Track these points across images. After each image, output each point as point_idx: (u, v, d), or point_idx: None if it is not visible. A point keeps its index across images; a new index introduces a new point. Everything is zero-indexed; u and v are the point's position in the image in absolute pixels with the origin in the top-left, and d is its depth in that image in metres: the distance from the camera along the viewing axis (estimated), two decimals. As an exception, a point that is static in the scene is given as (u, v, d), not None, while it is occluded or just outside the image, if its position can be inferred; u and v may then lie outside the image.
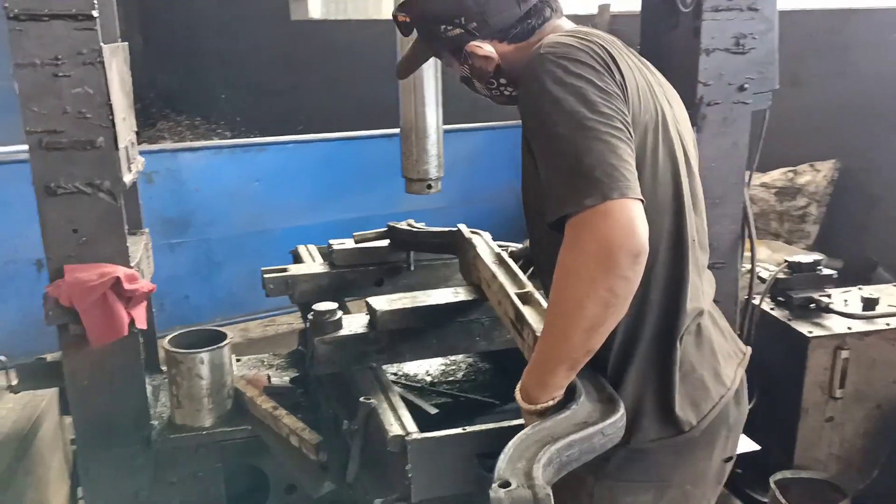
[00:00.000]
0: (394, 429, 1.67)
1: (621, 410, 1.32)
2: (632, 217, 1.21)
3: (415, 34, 1.65)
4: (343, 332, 1.97)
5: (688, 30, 2.40)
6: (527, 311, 1.68)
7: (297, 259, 2.82)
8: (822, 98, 4.56)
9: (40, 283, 3.85)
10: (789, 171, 4.54)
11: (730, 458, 1.60)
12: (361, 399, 1.79)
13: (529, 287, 1.83)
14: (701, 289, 1.55)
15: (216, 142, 5.08)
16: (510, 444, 1.21)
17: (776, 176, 4.55)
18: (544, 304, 1.70)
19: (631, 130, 1.34)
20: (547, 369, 1.32)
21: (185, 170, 4.54)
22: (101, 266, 1.95)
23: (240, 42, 9.32)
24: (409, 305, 2.02)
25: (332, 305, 2.00)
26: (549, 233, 1.29)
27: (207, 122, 9.70)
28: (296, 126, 7.94)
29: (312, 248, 2.86)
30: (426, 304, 2.03)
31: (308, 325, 2.01)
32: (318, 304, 1.99)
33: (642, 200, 1.25)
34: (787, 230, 4.52)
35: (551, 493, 1.12)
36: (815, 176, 4.51)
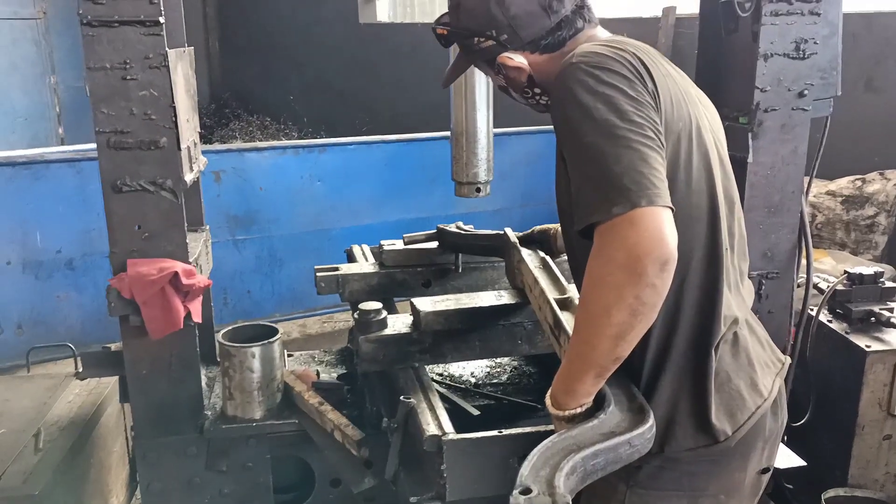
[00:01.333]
0: (431, 428, 1.70)
1: (651, 422, 1.32)
2: (660, 225, 1.21)
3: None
4: (387, 332, 2.02)
5: (746, 34, 2.36)
6: (565, 317, 1.70)
7: (351, 258, 2.89)
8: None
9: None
10: (857, 179, 4.39)
11: (766, 470, 1.58)
12: (402, 398, 1.83)
13: (570, 293, 1.84)
14: (738, 297, 1.53)
15: (281, 142, 5.23)
16: (535, 450, 1.22)
17: (843, 184, 4.41)
18: None
19: (662, 139, 1.34)
20: (575, 376, 1.33)
21: (250, 169, 4.69)
22: (161, 261, 2.04)
23: (311, 44, 9.53)
24: (453, 307, 2.05)
25: (377, 305, 2.04)
26: (580, 239, 1.31)
27: (277, 123, 9.95)
28: (360, 127, 8.08)
29: (366, 247, 2.93)
30: (470, 306, 2.06)
31: (354, 322, 2.06)
32: (363, 304, 2.04)
33: (672, 208, 1.25)
34: (853, 240, 4.37)
35: (570, 503, 1.13)
36: (885, 185, 4.35)
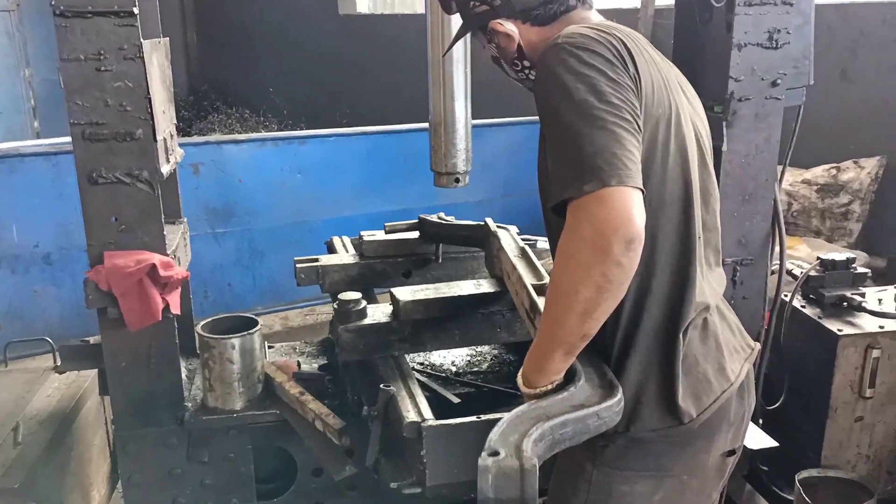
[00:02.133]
0: (410, 415, 1.72)
1: (619, 396, 1.35)
2: (628, 204, 1.24)
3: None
4: (367, 321, 2.03)
5: (721, 24, 2.39)
6: (541, 302, 1.72)
7: (332, 249, 2.89)
8: (872, 93, 4.45)
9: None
10: (832, 167, 4.45)
11: (731, 452, 1.61)
12: (382, 386, 1.84)
13: (547, 279, 1.86)
14: (709, 285, 1.56)
15: (260, 134, 5.23)
16: (505, 418, 1.25)
17: (818, 173, 4.47)
18: None
19: (640, 122, 1.36)
20: (544, 353, 1.36)
21: (229, 161, 4.67)
22: (138, 253, 2.03)
23: (290, 36, 9.48)
24: (432, 296, 2.07)
25: (357, 295, 2.06)
26: (556, 217, 1.33)
27: (257, 115, 9.89)
28: (341, 119, 8.06)
29: (346, 239, 2.94)
30: (449, 294, 2.08)
31: (333, 313, 2.07)
32: (343, 294, 2.05)
33: (642, 190, 1.28)
34: (828, 228, 4.44)
35: (537, 465, 1.16)
36: (859, 173, 4.41)
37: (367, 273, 2.57)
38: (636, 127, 1.34)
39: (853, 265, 2.79)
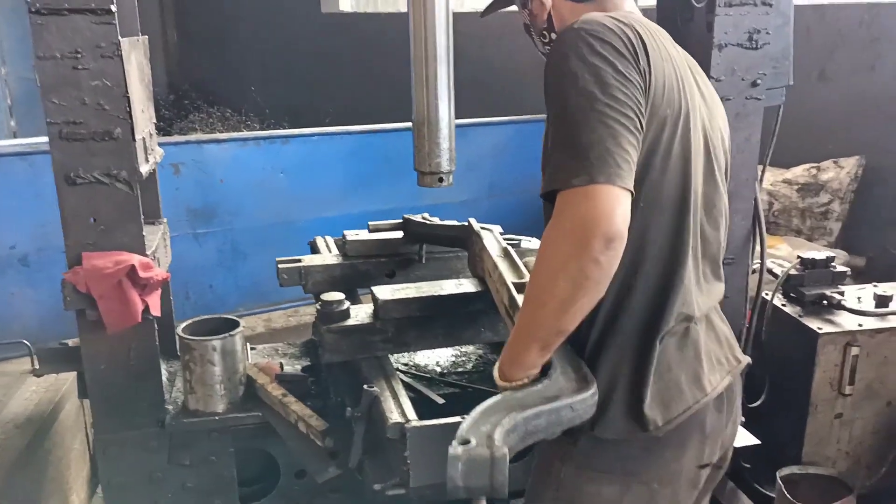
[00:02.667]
0: (394, 416, 1.71)
1: (593, 389, 1.35)
2: (613, 203, 1.23)
3: None
4: (350, 322, 2.02)
5: (701, 24, 2.40)
6: (520, 299, 1.71)
7: (315, 250, 2.88)
8: (850, 93, 4.49)
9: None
10: (812, 167, 4.49)
11: (706, 465, 1.57)
12: (365, 387, 1.83)
13: (527, 277, 1.85)
14: (700, 296, 1.52)
15: (241, 133, 5.18)
16: (477, 408, 1.25)
17: (798, 172, 4.51)
18: None
19: (643, 121, 1.34)
20: (521, 347, 1.36)
21: (210, 161, 4.62)
22: (117, 254, 2.01)
23: (272, 34, 9.42)
24: (413, 295, 2.06)
25: (340, 295, 2.04)
26: (547, 203, 1.33)
27: (238, 114, 9.82)
28: (324, 118, 8.01)
29: (329, 239, 2.92)
30: (430, 294, 2.07)
31: (316, 313, 2.06)
32: (325, 294, 2.04)
33: (630, 191, 1.27)
34: (808, 227, 4.47)
35: (508, 455, 1.16)
36: (839, 172, 4.45)
37: (351, 273, 2.55)
38: (638, 125, 1.32)
39: (833, 264, 2.81)
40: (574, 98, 1.30)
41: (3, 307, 4.14)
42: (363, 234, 2.65)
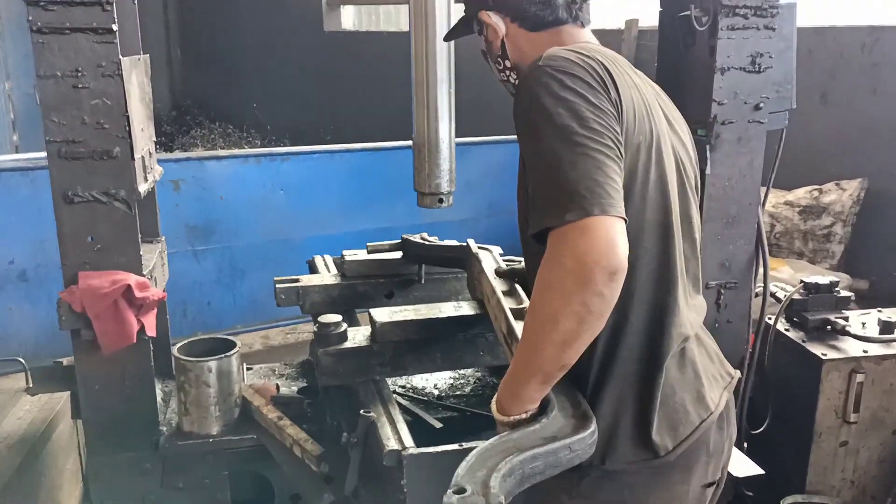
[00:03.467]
0: (391, 443, 1.68)
1: (592, 427, 1.32)
2: (611, 234, 1.21)
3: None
4: (347, 345, 1.99)
5: (704, 48, 2.39)
6: (518, 327, 1.69)
7: (313, 269, 2.85)
8: (852, 116, 4.50)
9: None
10: (814, 189, 4.48)
11: (711, 484, 1.57)
12: (361, 412, 1.80)
13: (526, 304, 1.83)
14: (689, 314, 1.53)
15: (242, 151, 5.18)
16: (473, 452, 1.22)
17: (801, 194, 4.50)
18: None
19: (621, 149, 1.34)
20: (520, 381, 1.33)
21: (210, 178, 4.62)
22: (113, 273, 1.99)
23: (275, 52, 9.46)
24: (411, 318, 2.04)
25: (337, 317, 2.02)
26: (535, 244, 1.30)
27: (240, 131, 9.84)
28: (324, 136, 8.03)
29: (328, 258, 2.90)
30: (428, 316, 2.05)
31: (313, 336, 2.04)
32: (323, 316, 2.02)
33: (625, 219, 1.25)
34: (811, 249, 4.46)
35: (504, 502, 1.12)
36: (841, 195, 4.44)
37: (349, 294, 2.53)
38: (618, 153, 1.32)
39: (836, 288, 2.79)
40: (551, 135, 1.29)
41: (1, 323, 4.12)
42: (362, 255, 2.63)
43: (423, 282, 2.60)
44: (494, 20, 1.60)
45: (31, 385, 2.41)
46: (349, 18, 9.29)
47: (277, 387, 2.43)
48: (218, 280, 4.78)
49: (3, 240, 4.04)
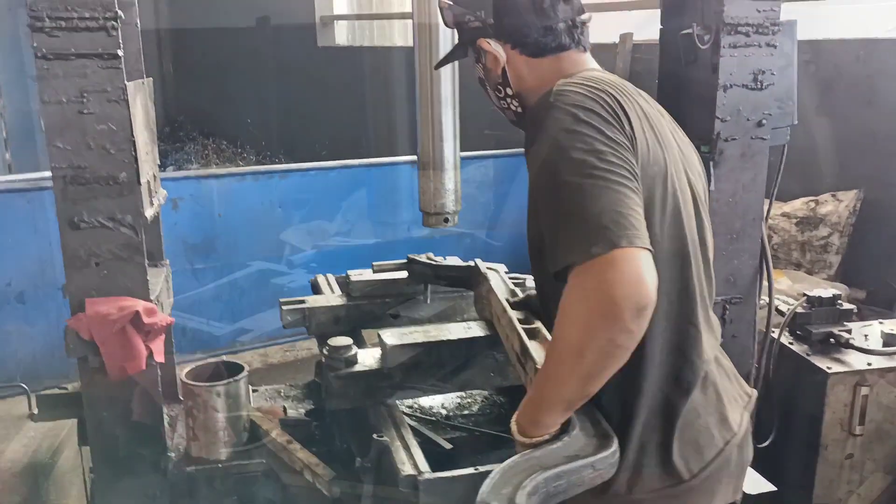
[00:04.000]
0: (406, 468, 1.67)
1: (614, 447, 1.33)
2: (639, 267, 1.21)
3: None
4: (357, 368, 1.99)
5: (706, 65, 2.41)
6: (532, 346, 1.69)
7: (316, 289, 2.84)
8: (847, 127, 4.53)
9: (66, 307, 3.90)
10: (811, 200, 4.50)
11: None
12: (374, 436, 1.79)
13: (538, 323, 1.83)
14: (708, 339, 1.53)
15: (240, 168, 5.21)
16: (497, 469, 1.22)
17: (797, 206, 4.52)
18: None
19: (638, 181, 1.34)
20: (542, 409, 1.33)
21: (208, 196, 4.61)
22: (121, 299, 1.98)
23: (268, 68, 9.46)
24: (421, 340, 2.03)
25: (348, 340, 2.01)
26: (552, 278, 1.30)
27: (234, 146, 9.83)
28: (320, 151, 8.03)
29: (331, 277, 2.89)
30: (438, 339, 2.04)
31: (323, 358, 2.03)
32: (333, 339, 2.01)
33: (651, 251, 1.25)
34: (808, 260, 4.47)
35: None
36: (838, 206, 4.46)
37: (355, 314, 2.52)
38: (636, 185, 1.32)
39: (839, 301, 2.80)
40: (569, 170, 1.29)
41: (0, 344, 4.09)
42: (367, 274, 2.62)
43: (428, 301, 2.60)
44: (494, 47, 1.58)
45: (35, 412, 2.39)
46: (342, 34, 9.31)
47: (285, 409, 2.42)
48: (217, 297, 4.76)
49: (0, 262, 4.02)
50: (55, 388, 2.36)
